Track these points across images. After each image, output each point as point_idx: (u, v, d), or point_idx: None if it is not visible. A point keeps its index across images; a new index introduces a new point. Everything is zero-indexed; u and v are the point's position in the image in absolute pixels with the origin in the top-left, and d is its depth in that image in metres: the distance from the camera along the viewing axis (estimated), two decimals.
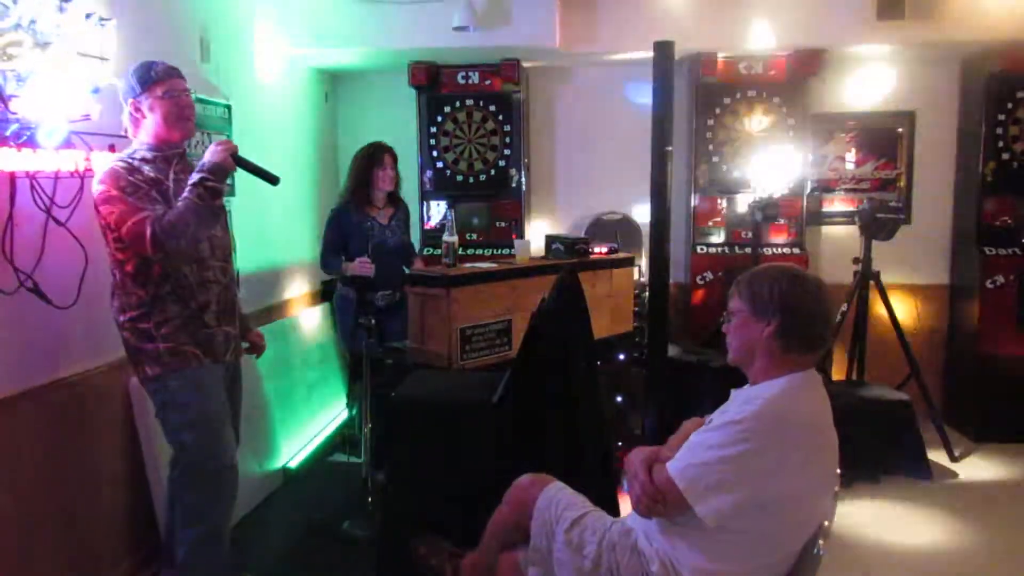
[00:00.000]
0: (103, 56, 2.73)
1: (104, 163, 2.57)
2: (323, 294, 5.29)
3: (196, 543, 2.66)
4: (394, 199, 4.31)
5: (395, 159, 4.22)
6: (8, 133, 2.40)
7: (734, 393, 1.99)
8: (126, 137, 2.73)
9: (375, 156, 4.16)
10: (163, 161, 2.61)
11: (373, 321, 3.63)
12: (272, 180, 2.68)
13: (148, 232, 2.40)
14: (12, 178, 2.46)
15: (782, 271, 1.93)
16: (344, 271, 4.03)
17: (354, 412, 4.37)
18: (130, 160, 2.54)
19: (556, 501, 2.12)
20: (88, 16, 2.66)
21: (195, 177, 2.52)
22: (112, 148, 2.77)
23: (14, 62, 2.37)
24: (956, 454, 4.55)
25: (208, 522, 2.67)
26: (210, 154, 2.56)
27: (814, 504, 1.85)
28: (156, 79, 2.56)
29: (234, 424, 2.86)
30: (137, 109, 2.58)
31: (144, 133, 2.61)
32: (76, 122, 2.59)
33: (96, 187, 2.49)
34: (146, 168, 2.55)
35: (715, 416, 1.93)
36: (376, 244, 4.07)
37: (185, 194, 2.50)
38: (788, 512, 1.81)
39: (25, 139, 2.44)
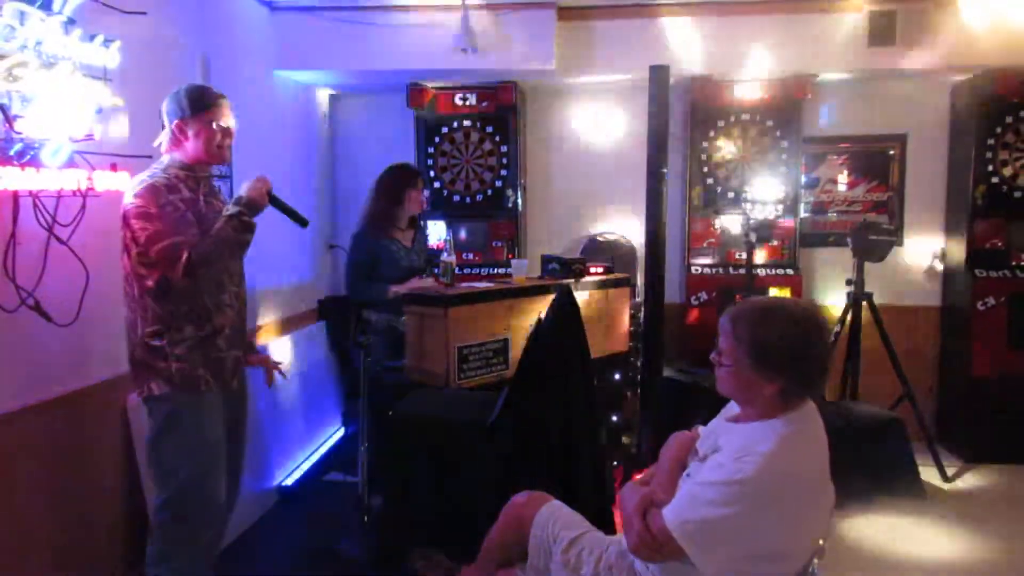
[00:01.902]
0: (107, 77, 2.77)
1: (140, 176, 2.55)
2: (319, 312, 5.31)
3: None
4: (414, 222, 4.20)
5: (425, 181, 4.15)
6: (12, 152, 2.42)
7: (725, 425, 1.96)
8: (129, 156, 2.77)
9: (410, 178, 4.06)
10: (194, 181, 2.62)
11: (370, 340, 3.63)
12: (302, 222, 2.78)
13: (184, 258, 2.41)
14: (15, 197, 2.48)
15: (790, 320, 1.82)
16: (394, 292, 3.83)
17: (350, 431, 4.37)
18: (168, 177, 2.53)
19: (553, 520, 2.13)
20: (92, 38, 2.70)
21: (232, 210, 2.54)
22: (114, 167, 2.79)
23: (20, 83, 2.40)
24: (949, 474, 4.57)
25: (182, 559, 2.55)
26: (247, 189, 2.58)
27: (813, 542, 1.86)
28: (208, 106, 2.60)
29: (238, 450, 2.82)
30: (182, 131, 2.58)
31: (181, 152, 2.61)
32: (79, 141, 2.62)
33: (130, 199, 2.48)
34: (182, 187, 2.55)
35: (707, 443, 1.92)
36: (406, 267, 4.00)
37: (220, 224, 2.51)
38: (788, 560, 1.82)
39: (29, 158, 2.46)
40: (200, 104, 2.59)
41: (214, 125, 2.60)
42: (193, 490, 2.54)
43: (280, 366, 3.07)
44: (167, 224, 2.44)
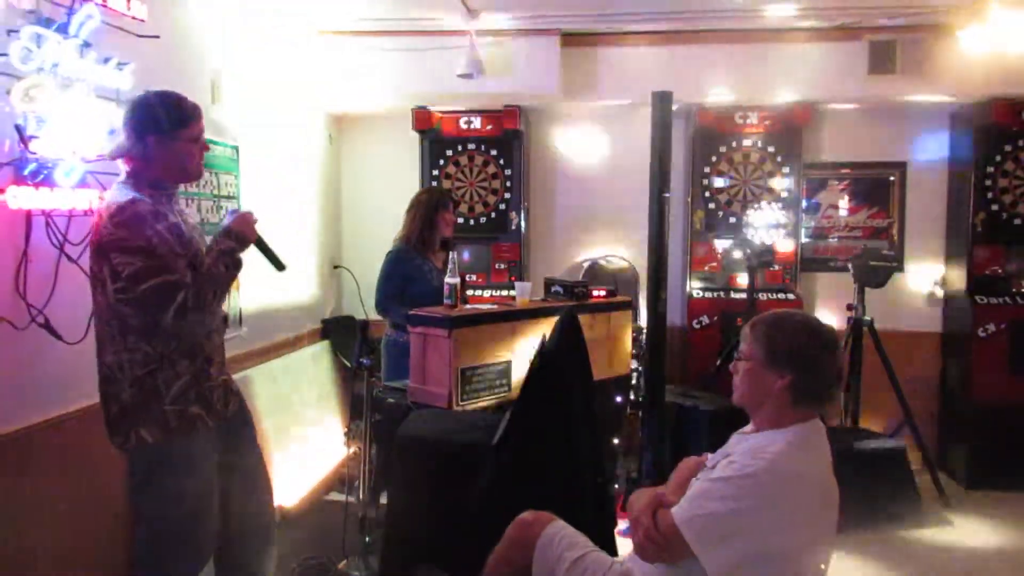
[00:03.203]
0: (119, 99, 2.82)
1: (112, 197, 2.31)
2: (323, 332, 5.33)
3: None
4: (446, 244, 4.24)
5: (456, 205, 4.23)
6: (26, 172, 2.47)
7: (737, 437, 2.02)
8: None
9: (442, 201, 4.17)
10: (165, 198, 2.39)
11: (371, 361, 3.65)
12: (279, 266, 2.66)
13: (179, 300, 2.20)
14: (28, 216, 2.52)
15: (803, 324, 1.95)
16: None
17: (352, 451, 4.37)
18: (142, 198, 2.26)
19: (557, 540, 2.14)
20: (107, 60, 2.75)
21: (224, 246, 2.38)
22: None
23: (35, 104, 2.45)
24: (950, 502, 4.57)
25: None
26: (237, 223, 2.45)
27: (815, 553, 1.89)
28: (189, 121, 2.38)
29: (256, 478, 2.69)
30: (159, 146, 2.33)
31: (150, 167, 2.34)
32: (91, 162, 2.67)
33: (109, 229, 2.21)
34: (163, 209, 2.33)
35: (717, 457, 1.97)
36: (437, 287, 4.04)
37: (212, 261, 2.33)
38: (791, 563, 1.84)
39: (42, 178, 2.51)
40: (178, 119, 2.35)
41: (193, 141, 2.40)
42: (180, 534, 2.35)
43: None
44: (156, 260, 2.19)
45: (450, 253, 3.61)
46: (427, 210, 4.15)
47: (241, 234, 2.45)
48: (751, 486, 1.79)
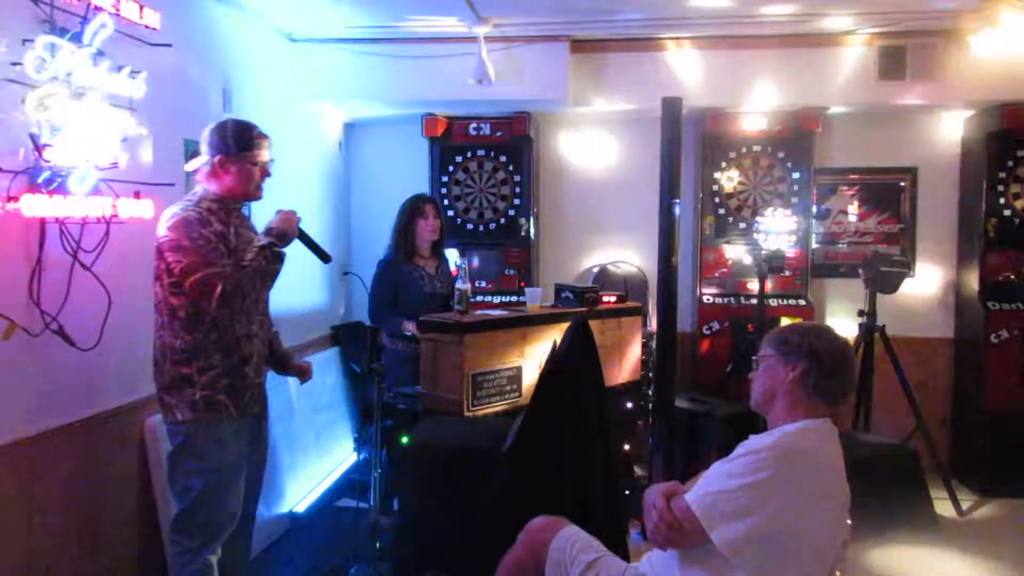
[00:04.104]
0: (132, 107, 2.84)
1: (173, 209, 2.63)
2: (332, 338, 5.34)
3: None
4: (438, 249, 4.31)
5: (438, 209, 4.24)
6: (40, 180, 2.49)
7: (752, 436, 2.04)
8: (152, 184, 2.83)
9: (416, 206, 4.19)
10: (226, 214, 2.69)
11: (384, 366, 3.66)
12: (325, 258, 2.95)
13: (218, 289, 2.50)
14: (42, 224, 2.54)
15: (814, 326, 2.09)
16: (404, 329, 3.97)
17: (363, 457, 4.38)
18: (199, 209, 2.60)
19: (571, 544, 2.14)
20: (120, 69, 2.77)
21: (263, 240, 2.63)
22: (137, 195, 2.84)
23: (49, 112, 2.47)
24: (963, 508, 4.54)
25: (196, 563, 2.63)
26: (278, 221, 2.70)
27: (826, 545, 1.89)
28: (252, 146, 2.69)
29: (258, 474, 2.92)
30: (223, 166, 2.67)
31: (216, 185, 2.69)
32: (104, 169, 2.68)
33: (163, 232, 2.56)
34: (214, 220, 2.62)
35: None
36: (428, 293, 4.10)
37: (252, 255, 2.59)
38: (801, 550, 1.84)
39: (56, 186, 2.52)
40: (244, 144, 2.67)
41: (255, 165, 2.70)
42: (207, 506, 2.62)
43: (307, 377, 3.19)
44: (200, 257, 2.52)
45: (459, 259, 3.63)
46: (405, 217, 4.19)
47: (282, 231, 2.68)
48: (758, 460, 1.85)
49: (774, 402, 2.02)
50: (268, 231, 2.67)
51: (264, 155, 2.74)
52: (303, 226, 2.80)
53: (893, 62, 4.74)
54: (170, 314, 2.60)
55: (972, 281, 5.08)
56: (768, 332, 2.12)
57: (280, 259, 2.66)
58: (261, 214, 3.06)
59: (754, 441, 1.94)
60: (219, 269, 2.52)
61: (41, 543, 2.63)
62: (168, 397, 2.62)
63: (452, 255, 5.20)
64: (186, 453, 2.63)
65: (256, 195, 2.78)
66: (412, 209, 4.19)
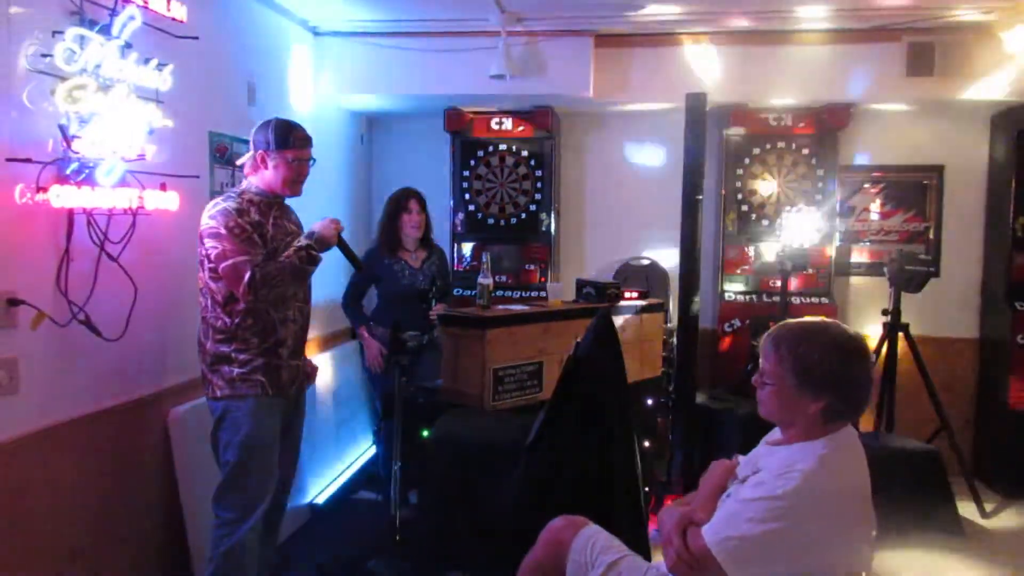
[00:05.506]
0: (158, 99, 2.86)
1: (216, 200, 2.79)
2: (352, 332, 5.35)
3: (221, 558, 2.75)
4: (427, 243, 4.35)
5: (422, 204, 4.26)
6: (68, 171, 2.51)
7: (765, 448, 1.99)
8: (178, 176, 2.85)
9: (401, 201, 4.23)
10: (266, 206, 2.84)
11: (406, 360, 3.66)
12: (359, 267, 3.22)
13: (247, 276, 2.62)
14: (70, 214, 2.56)
15: (833, 342, 1.85)
16: (361, 336, 4.18)
17: (381, 450, 4.39)
18: (239, 201, 2.76)
19: (592, 544, 2.13)
20: (147, 61, 2.79)
21: (302, 242, 2.77)
22: (163, 187, 2.87)
23: (78, 104, 2.49)
24: (987, 510, 4.49)
25: (234, 539, 2.74)
26: (320, 227, 2.82)
27: (851, 565, 1.86)
28: (292, 145, 2.82)
29: (293, 452, 3.10)
30: (263, 160, 2.82)
31: (258, 179, 2.85)
32: (131, 161, 2.71)
33: (206, 221, 2.71)
34: (252, 210, 2.76)
35: (746, 469, 1.94)
36: (405, 286, 4.14)
37: (288, 253, 2.74)
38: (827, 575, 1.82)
39: (84, 177, 2.55)
40: (284, 141, 2.80)
41: (292, 162, 2.83)
42: (241, 479, 2.76)
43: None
44: (234, 244, 2.65)
45: (483, 254, 3.64)
46: (390, 211, 4.26)
47: (322, 236, 2.81)
48: (783, 508, 1.75)
49: (791, 425, 1.90)
50: (309, 234, 2.80)
51: (303, 155, 2.86)
52: (320, 216, 2.90)
53: (921, 58, 4.67)
54: (211, 298, 2.75)
55: (999, 281, 5.01)
56: (774, 336, 1.91)
57: (315, 262, 2.79)
58: (298, 210, 3.12)
59: (772, 483, 1.79)
60: (250, 257, 2.64)
61: (66, 530, 2.66)
62: (210, 374, 2.78)
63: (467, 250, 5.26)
64: (223, 427, 2.78)
65: (295, 191, 2.91)
66: (397, 203, 4.24)
